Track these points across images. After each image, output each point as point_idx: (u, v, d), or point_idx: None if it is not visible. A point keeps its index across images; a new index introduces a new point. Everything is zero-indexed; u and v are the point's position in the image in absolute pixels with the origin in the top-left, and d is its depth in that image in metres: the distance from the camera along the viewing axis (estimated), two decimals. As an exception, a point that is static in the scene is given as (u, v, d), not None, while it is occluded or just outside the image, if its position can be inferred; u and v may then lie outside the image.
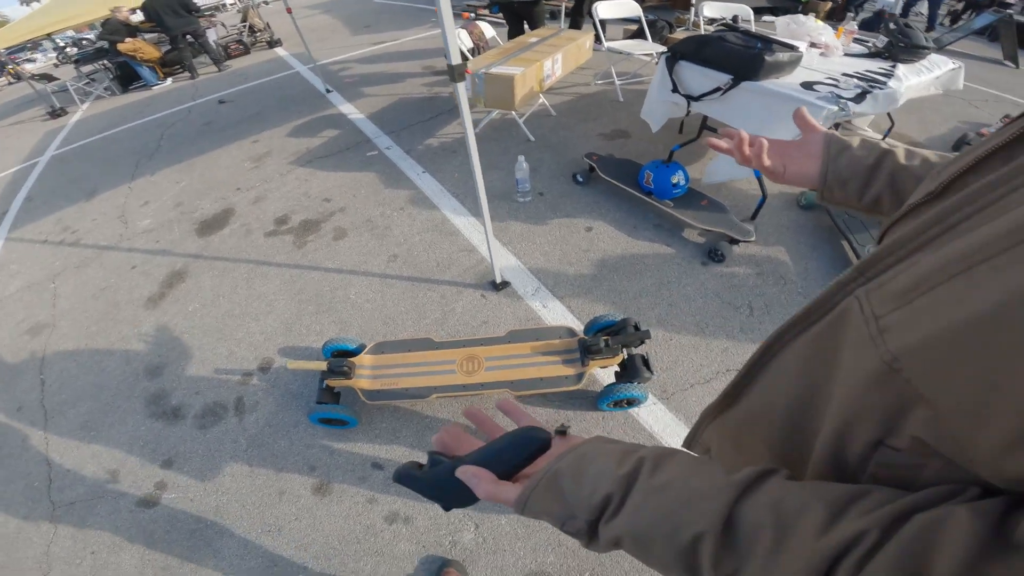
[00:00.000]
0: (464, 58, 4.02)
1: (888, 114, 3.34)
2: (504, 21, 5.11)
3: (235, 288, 2.95)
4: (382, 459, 2.04)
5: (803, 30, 3.27)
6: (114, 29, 7.56)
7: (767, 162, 0.76)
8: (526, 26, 4.87)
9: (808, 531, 0.35)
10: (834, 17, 8.12)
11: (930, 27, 8.87)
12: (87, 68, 8.75)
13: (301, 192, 3.72)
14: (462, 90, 1.88)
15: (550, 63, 3.75)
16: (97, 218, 4.08)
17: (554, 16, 6.26)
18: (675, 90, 3.02)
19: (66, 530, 2.07)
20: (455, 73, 1.78)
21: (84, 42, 15.62)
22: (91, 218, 4.10)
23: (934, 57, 3.01)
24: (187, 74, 7.86)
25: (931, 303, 0.33)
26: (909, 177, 0.67)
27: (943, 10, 9.96)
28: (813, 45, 3.18)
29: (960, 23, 8.01)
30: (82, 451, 2.33)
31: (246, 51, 8.74)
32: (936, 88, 3.01)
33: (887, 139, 0.71)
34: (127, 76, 8.02)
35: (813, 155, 0.74)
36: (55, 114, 7.56)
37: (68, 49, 15.16)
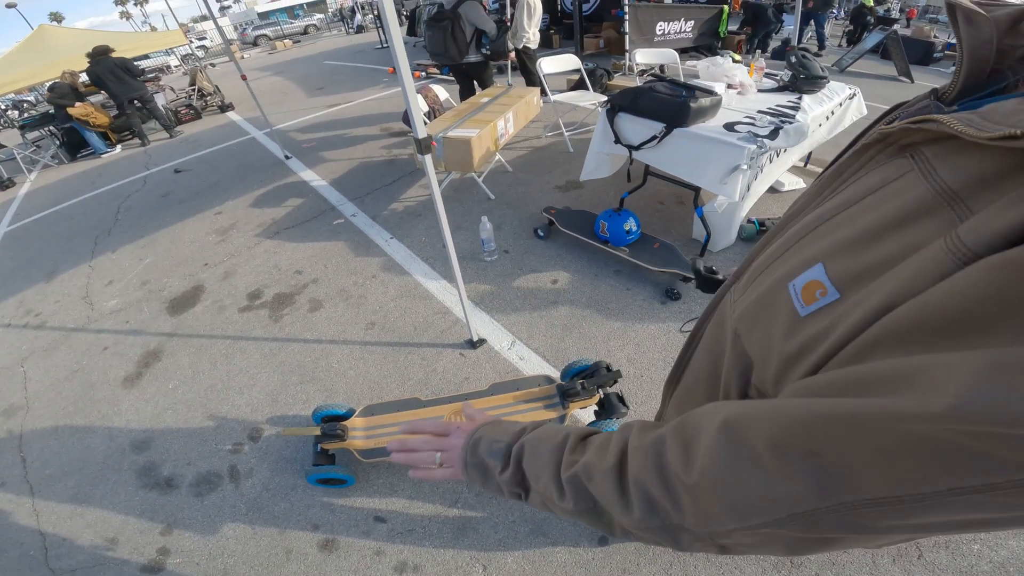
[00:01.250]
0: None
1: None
2: (455, 81, 5.42)
3: (214, 364, 2.99)
4: (383, 512, 2.12)
5: (720, 71, 3.52)
6: (63, 93, 7.40)
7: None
8: (476, 86, 5.17)
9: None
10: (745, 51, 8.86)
11: (820, 47, 9.69)
12: (33, 135, 8.46)
13: (271, 265, 3.81)
14: (430, 163, 2.03)
15: (503, 122, 4.01)
16: (60, 299, 4.01)
17: (502, 71, 6.64)
18: (617, 141, 3.22)
19: None
20: (422, 146, 1.92)
21: (25, 104, 14.85)
22: (54, 300, 4.03)
23: (834, 85, 3.34)
24: (137, 141, 7.76)
25: (748, 296, 0.55)
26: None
27: (838, 31, 10.92)
28: (731, 86, 3.45)
29: (856, 45, 8.76)
30: (76, 521, 2.31)
31: (197, 116, 8.73)
32: (850, 118, 3.36)
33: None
34: (75, 143, 7.83)
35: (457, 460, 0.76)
36: (3, 185, 7.28)
37: (9, 112, 14.34)
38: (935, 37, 9.28)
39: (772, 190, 3.75)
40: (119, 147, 7.77)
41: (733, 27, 9.38)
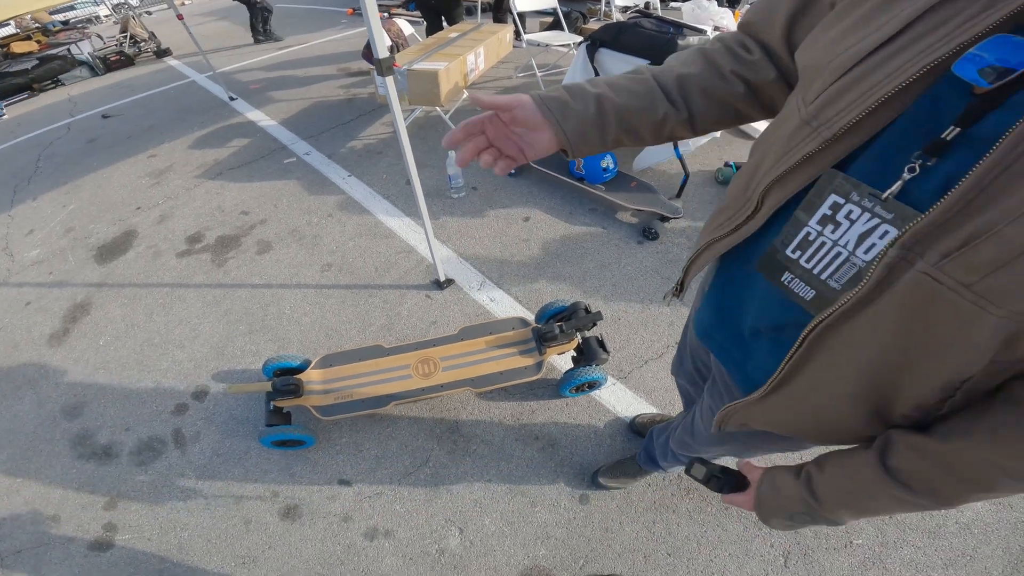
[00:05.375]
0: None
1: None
2: (422, 18, 5.01)
3: (150, 316, 2.67)
4: (348, 474, 1.94)
5: (706, 15, 3.45)
6: None
7: (508, 160, 0.75)
8: (444, 23, 4.80)
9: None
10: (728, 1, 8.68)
11: None
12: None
13: (213, 207, 3.44)
14: (391, 84, 1.80)
15: (473, 57, 3.72)
16: (-26, 253, 3.57)
17: (470, 12, 6.24)
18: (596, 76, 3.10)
19: None
20: (383, 67, 1.71)
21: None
22: (-33, 254, 3.59)
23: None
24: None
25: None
26: (631, 113, 0.74)
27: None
28: (716, 28, 3.36)
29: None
30: (12, 499, 2.07)
31: (130, 62, 7.98)
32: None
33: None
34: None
35: (539, 126, 0.72)
36: None
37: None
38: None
39: (744, 134, 3.65)
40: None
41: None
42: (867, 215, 0.52)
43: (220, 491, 1.96)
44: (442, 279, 2.55)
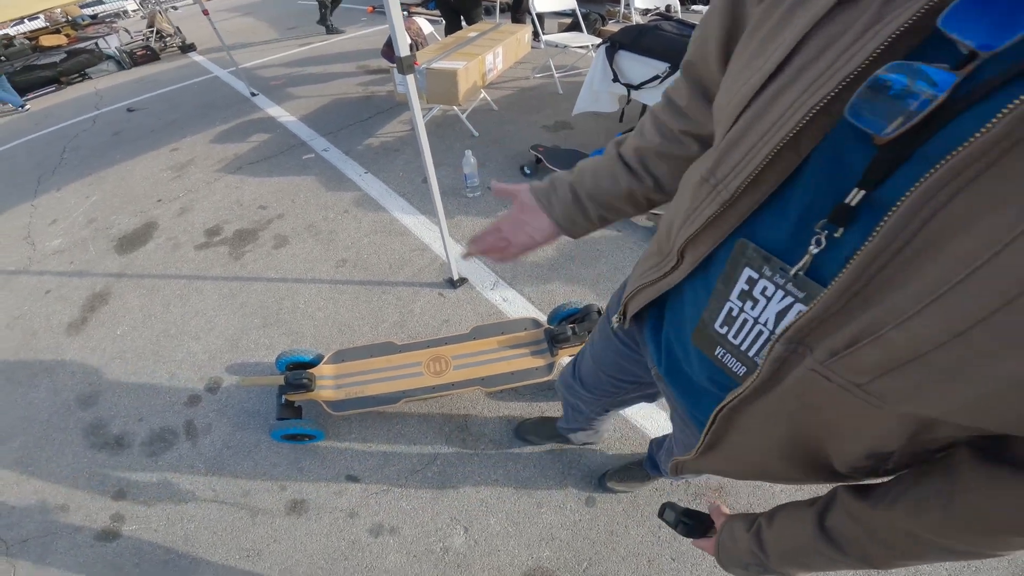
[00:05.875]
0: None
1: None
2: (441, 17, 5.02)
3: (167, 306, 2.71)
4: (356, 470, 1.93)
5: None
6: None
7: (521, 245, 0.86)
8: (463, 22, 4.81)
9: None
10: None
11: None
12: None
13: (232, 200, 3.48)
14: (411, 82, 1.80)
15: (491, 57, 3.71)
16: (-1, 241, 3.65)
17: (489, 12, 6.25)
18: (616, 79, 3.07)
19: (26, 568, 1.86)
20: (404, 65, 1.70)
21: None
22: (-9, 242, 3.67)
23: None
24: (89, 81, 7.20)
25: (923, 366, 0.35)
26: (600, 193, 0.78)
27: None
28: None
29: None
30: (23, 487, 2.10)
31: (155, 57, 8.13)
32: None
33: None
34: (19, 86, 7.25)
35: (538, 212, 0.82)
36: None
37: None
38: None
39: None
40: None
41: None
42: (780, 292, 0.46)
43: (228, 484, 1.97)
44: (455, 278, 2.54)
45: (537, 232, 0.84)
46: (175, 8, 13.04)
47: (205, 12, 4.89)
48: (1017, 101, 0.28)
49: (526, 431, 1.92)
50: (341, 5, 7.67)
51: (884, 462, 0.48)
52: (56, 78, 7.44)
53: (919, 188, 0.33)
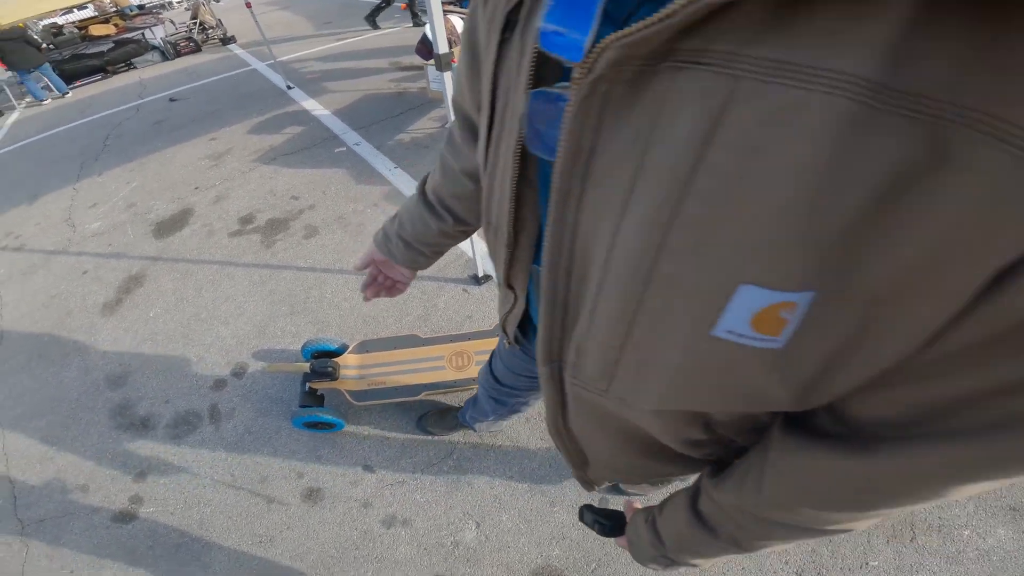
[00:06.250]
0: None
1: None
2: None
3: (199, 291, 2.77)
4: (373, 461, 1.94)
5: None
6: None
7: (402, 282, 0.97)
8: None
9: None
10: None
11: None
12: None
13: (266, 190, 3.54)
14: (448, 79, 1.81)
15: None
16: (41, 222, 3.79)
17: None
18: None
19: (40, 548, 1.91)
20: (442, 62, 1.72)
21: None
22: (35, 222, 3.81)
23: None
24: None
25: (625, 365, 0.37)
26: (419, 236, 0.83)
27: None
28: None
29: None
30: (46, 466, 2.15)
31: (197, 48, 8.35)
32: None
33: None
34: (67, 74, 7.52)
35: (390, 263, 0.91)
36: None
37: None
38: None
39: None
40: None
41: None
42: None
43: (247, 469, 2.00)
44: (480, 275, 2.54)
45: (400, 275, 0.94)
46: (217, 0, 13.40)
47: (248, 4, 5.00)
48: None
49: (428, 423, 1.95)
50: (363, 0, 7.74)
51: (701, 447, 0.47)
52: (103, 67, 7.70)
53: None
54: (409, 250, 0.86)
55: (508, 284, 0.57)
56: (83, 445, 2.19)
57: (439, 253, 0.89)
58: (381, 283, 0.96)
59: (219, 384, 2.29)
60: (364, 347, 2.10)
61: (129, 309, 2.77)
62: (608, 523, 0.80)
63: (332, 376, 1.95)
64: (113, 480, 2.05)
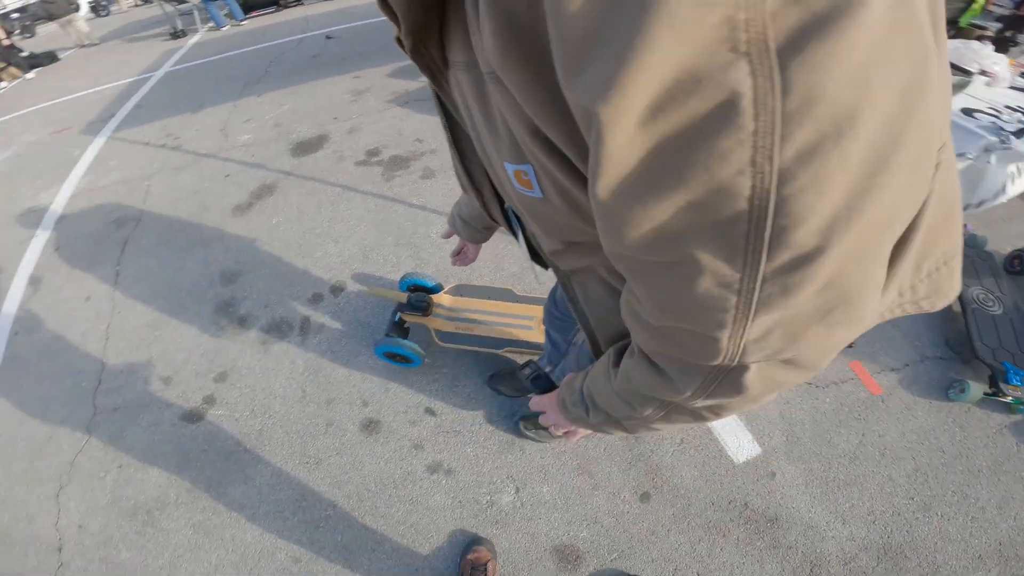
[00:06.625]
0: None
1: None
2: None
3: (320, 208, 2.90)
4: (436, 406, 1.92)
5: (972, 55, 2.87)
6: None
7: (476, 254, 1.28)
8: None
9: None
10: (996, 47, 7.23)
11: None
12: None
13: (395, 129, 3.64)
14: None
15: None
16: (200, 129, 4.19)
17: None
18: None
19: (100, 439, 2.04)
20: None
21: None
22: (194, 128, 4.22)
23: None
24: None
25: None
26: (473, 215, 1.04)
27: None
28: (983, 72, 2.80)
29: None
30: (140, 353, 2.33)
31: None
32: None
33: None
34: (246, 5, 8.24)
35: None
36: (175, 35, 7.77)
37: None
38: None
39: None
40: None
41: (979, 22, 7.64)
42: None
43: (319, 387, 2.05)
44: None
45: (472, 248, 1.25)
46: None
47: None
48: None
49: (499, 382, 1.88)
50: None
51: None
52: (276, 0, 8.30)
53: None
54: (467, 227, 1.07)
55: (497, 223, 0.77)
56: (181, 336, 2.35)
57: (490, 229, 1.08)
58: (464, 255, 1.26)
59: (316, 298, 2.38)
60: (460, 290, 2.07)
61: (257, 214, 2.97)
62: (544, 384, 0.87)
63: (425, 311, 1.94)
64: (196, 376, 2.18)
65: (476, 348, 1.91)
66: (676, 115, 0.24)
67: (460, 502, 1.68)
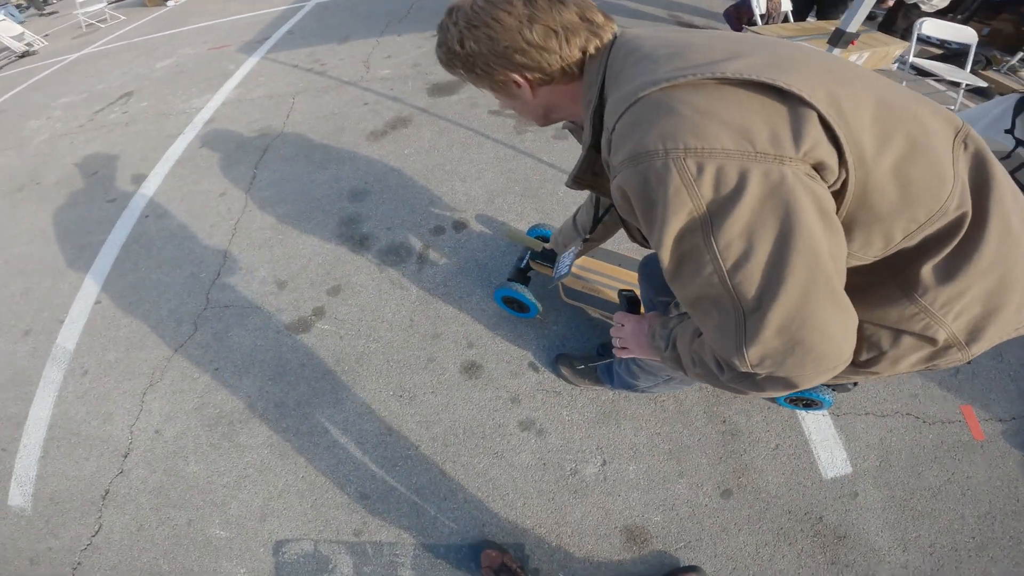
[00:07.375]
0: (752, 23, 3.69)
1: None
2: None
3: (451, 147, 2.93)
4: (541, 362, 1.88)
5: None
6: None
7: None
8: (814, 13, 4.28)
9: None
10: None
11: None
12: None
13: (530, 90, 3.62)
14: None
15: (855, 57, 3.24)
16: (344, 59, 4.33)
17: (873, 17, 5.51)
18: (1009, 131, 2.65)
19: (203, 336, 2.06)
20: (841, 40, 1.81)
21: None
22: (339, 57, 4.37)
23: None
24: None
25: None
26: (582, 220, 1.49)
27: None
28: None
29: None
30: (261, 253, 2.40)
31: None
32: None
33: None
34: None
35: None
36: None
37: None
38: None
39: None
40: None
41: None
42: None
43: (427, 320, 2.04)
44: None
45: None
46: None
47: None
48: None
49: (563, 363, 1.82)
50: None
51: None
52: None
53: None
54: (574, 230, 1.51)
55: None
56: (303, 243, 2.42)
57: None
58: None
59: (438, 230, 2.40)
60: (591, 250, 2.02)
61: (390, 142, 3.04)
62: (632, 307, 1.03)
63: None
64: (311, 285, 2.22)
65: (599, 311, 1.86)
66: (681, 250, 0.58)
67: (544, 464, 1.64)
